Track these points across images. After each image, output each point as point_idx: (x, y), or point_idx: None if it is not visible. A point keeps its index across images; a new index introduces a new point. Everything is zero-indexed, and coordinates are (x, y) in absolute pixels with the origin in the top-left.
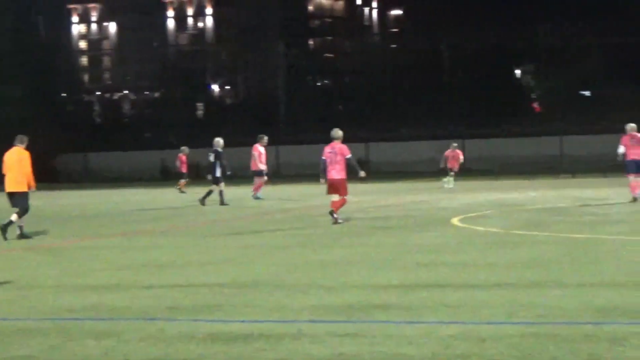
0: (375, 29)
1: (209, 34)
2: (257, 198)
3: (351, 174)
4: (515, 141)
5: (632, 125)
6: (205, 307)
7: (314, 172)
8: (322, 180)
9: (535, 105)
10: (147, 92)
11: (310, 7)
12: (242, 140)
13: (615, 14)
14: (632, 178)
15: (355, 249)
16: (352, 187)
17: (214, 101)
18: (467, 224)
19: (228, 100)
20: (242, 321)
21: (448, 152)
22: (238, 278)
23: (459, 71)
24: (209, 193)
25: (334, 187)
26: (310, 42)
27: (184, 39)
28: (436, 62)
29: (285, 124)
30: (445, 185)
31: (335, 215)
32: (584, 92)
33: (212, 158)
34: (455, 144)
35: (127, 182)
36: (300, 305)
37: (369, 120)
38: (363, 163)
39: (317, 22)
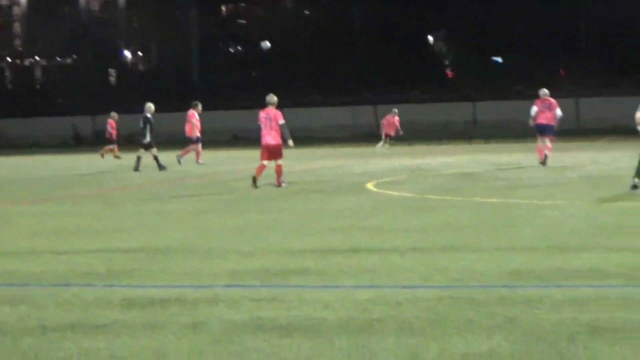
0: None
1: (121, 0)
2: (200, 164)
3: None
4: (428, 107)
5: (545, 90)
6: (120, 272)
7: (226, 139)
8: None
9: (448, 71)
10: (59, 59)
11: None
12: (156, 108)
13: None
14: (539, 142)
15: (271, 214)
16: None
17: (127, 68)
18: (382, 189)
19: (141, 67)
20: (158, 286)
21: (388, 118)
22: (153, 243)
23: (372, 37)
24: (139, 159)
25: (269, 152)
26: (223, 8)
27: (95, 5)
28: (349, 28)
29: (198, 90)
30: (378, 151)
31: (282, 182)
32: (495, 59)
33: (141, 123)
34: (395, 110)
35: (41, 148)
36: (217, 270)
37: (283, 86)
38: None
39: None
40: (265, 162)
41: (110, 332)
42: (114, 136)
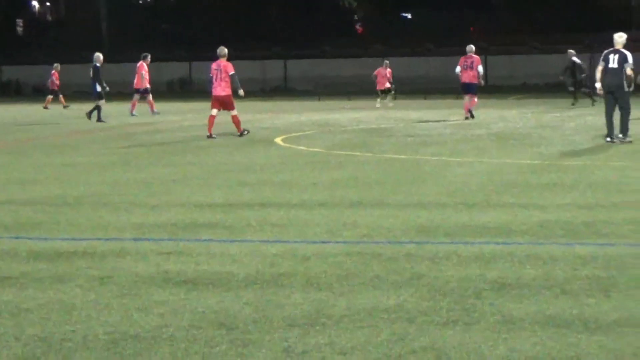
0: None
1: None
2: (155, 114)
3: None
4: (337, 62)
5: (471, 47)
6: (27, 224)
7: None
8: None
9: (358, 27)
10: None
11: None
12: (64, 59)
13: None
14: (466, 98)
15: (179, 167)
16: (179, 105)
17: (34, 18)
18: (290, 144)
19: (49, 17)
20: (65, 239)
21: (379, 71)
22: (61, 196)
23: None
24: (96, 108)
25: (220, 103)
26: None
27: None
28: None
29: (107, 42)
30: (378, 105)
31: (241, 132)
32: (405, 14)
33: (91, 74)
34: (387, 61)
35: None
36: (124, 223)
37: (192, 39)
38: (186, 82)
39: None
40: (214, 112)
41: (16, 285)
42: (57, 87)
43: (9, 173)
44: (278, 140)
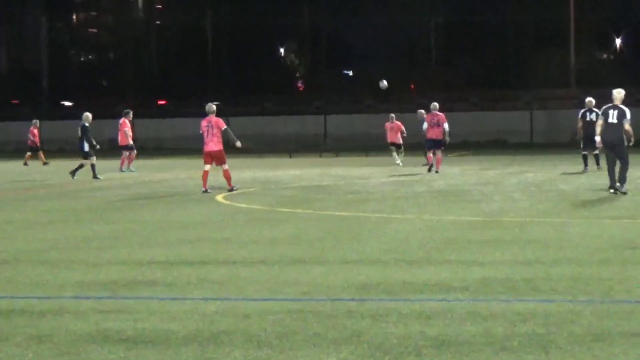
0: (140, 4)
1: None
2: (130, 171)
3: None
4: (279, 119)
5: (435, 104)
6: None
7: (74, 148)
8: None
9: (299, 83)
10: None
11: None
12: (4, 115)
13: None
14: (430, 154)
15: (120, 224)
16: (118, 163)
17: None
18: (231, 201)
19: None
20: (3, 297)
21: (387, 125)
22: None
23: (224, 48)
24: (81, 167)
25: (213, 157)
26: (74, 16)
27: None
28: (201, 38)
29: (48, 99)
30: (398, 161)
31: (231, 187)
32: (347, 72)
33: (79, 133)
34: (392, 115)
35: None
36: (64, 281)
37: (134, 95)
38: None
39: None
40: (207, 167)
41: None
42: (37, 143)
43: None
44: (218, 197)
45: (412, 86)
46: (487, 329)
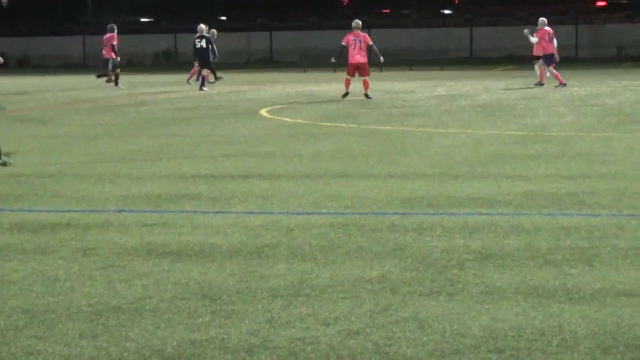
0: None
1: None
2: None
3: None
4: (322, 34)
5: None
6: (10, 196)
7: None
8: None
9: None
10: None
11: None
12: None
13: None
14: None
15: (163, 139)
16: (164, 78)
17: None
18: (275, 115)
19: None
20: (49, 210)
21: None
22: (44, 168)
23: None
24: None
25: (359, 69)
26: None
27: None
28: None
29: (91, 14)
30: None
31: (368, 94)
32: None
33: (204, 44)
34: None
35: None
36: (108, 195)
37: (176, 10)
38: (171, 54)
39: None
40: (350, 77)
41: None
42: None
43: None
44: (263, 112)
45: (457, 1)
46: (531, 243)
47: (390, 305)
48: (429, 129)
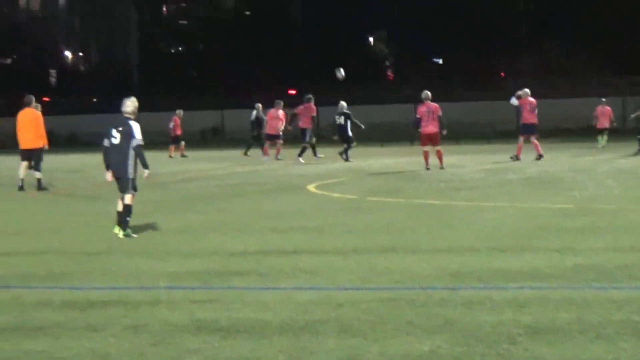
0: None
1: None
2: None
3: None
4: (368, 108)
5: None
6: (60, 274)
7: (165, 140)
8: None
9: (389, 72)
10: None
11: None
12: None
13: None
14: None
15: (212, 215)
16: (212, 154)
17: (67, 68)
18: (323, 191)
19: (81, 67)
20: (98, 288)
21: (598, 109)
22: (93, 245)
23: (312, 37)
24: (348, 148)
25: (431, 139)
26: (164, 8)
27: (35, 4)
28: (289, 27)
29: (138, 91)
30: (600, 146)
31: (442, 165)
32: (437, 60)
33: (342, 120)
34: (604, 99)
35: None
36: (158, 271)
37: (223, 86)
38: (217, 130)
39: None
40: (426, 148)
41: (50, 334)
42: (179, 132)
43: (41, 222)
44: (310, 187)
45: (502, 74)
46: (581, 317)
47: None
48: (476, 203)
